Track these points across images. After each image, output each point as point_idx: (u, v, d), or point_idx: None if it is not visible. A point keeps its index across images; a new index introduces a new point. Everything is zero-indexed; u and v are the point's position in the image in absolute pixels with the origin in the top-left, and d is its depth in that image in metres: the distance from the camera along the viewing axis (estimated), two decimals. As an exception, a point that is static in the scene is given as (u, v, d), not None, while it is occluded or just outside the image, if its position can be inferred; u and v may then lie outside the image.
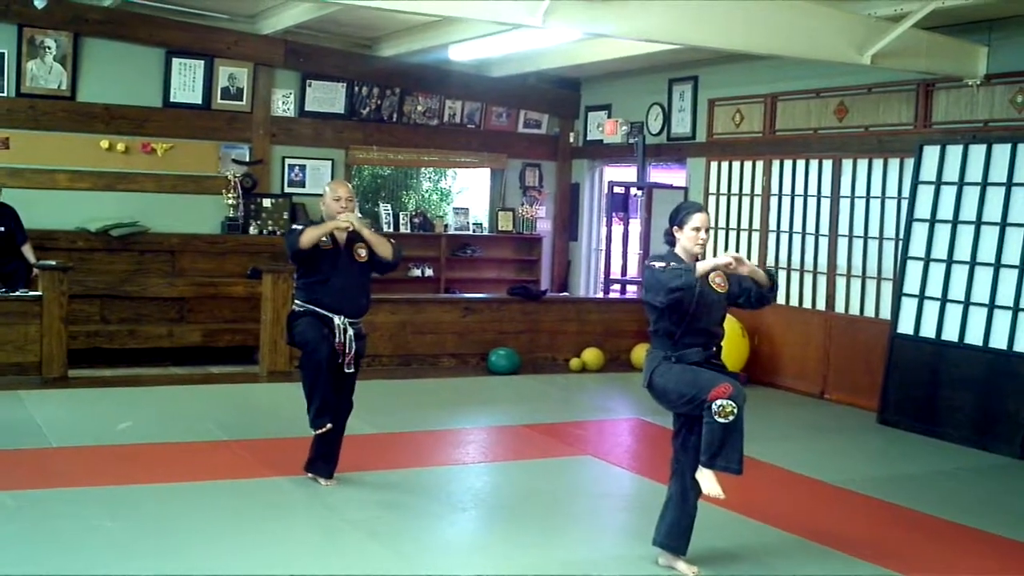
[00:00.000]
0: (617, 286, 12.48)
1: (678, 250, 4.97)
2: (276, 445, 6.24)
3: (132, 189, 11.06)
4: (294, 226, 6.14)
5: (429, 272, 12.72)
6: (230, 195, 11.30)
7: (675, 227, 5.00)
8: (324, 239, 6.03)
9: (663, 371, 4.94)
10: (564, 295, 12.76)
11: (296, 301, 6.21)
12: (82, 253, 10.46)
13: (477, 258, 13.17)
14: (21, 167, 10.59)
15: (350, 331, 6.06)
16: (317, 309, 6.05)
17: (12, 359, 8.73)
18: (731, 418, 4.78)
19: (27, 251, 9.57)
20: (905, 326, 8.64)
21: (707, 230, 4.96)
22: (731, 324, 9.98)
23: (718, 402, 4.78)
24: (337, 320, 6.03)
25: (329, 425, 6.02)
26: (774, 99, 10.38)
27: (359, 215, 6.34)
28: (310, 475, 6.19)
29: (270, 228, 11.42)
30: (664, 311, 4.85)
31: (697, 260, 4.94)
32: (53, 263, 9.14)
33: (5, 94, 10.51)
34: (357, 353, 6.15)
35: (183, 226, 11.10)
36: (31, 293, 9.04)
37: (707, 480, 4.83)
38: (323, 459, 6.21)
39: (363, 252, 6.15)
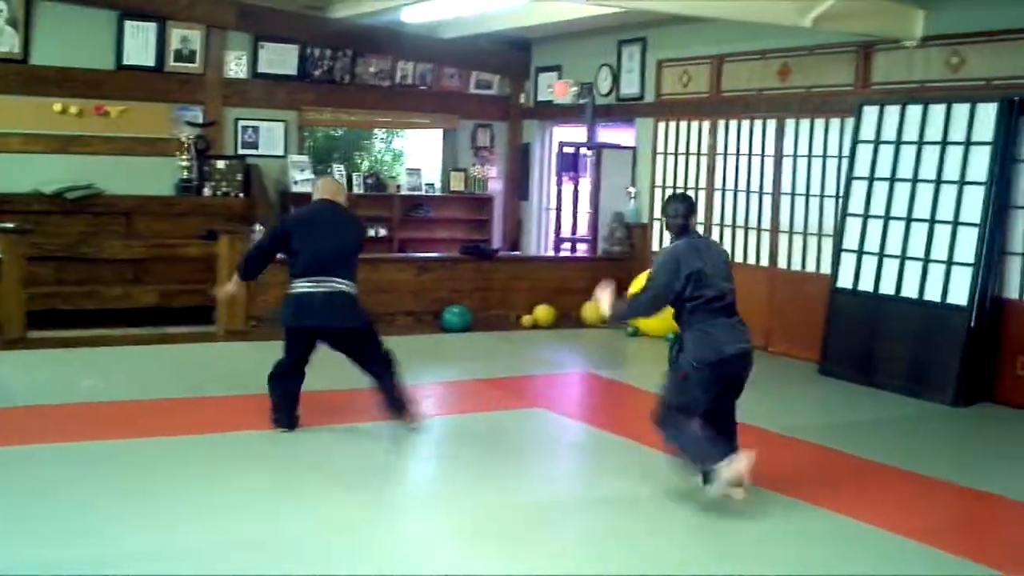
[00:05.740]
0: (567, 244, 12.71)
1: None
2: (239, 401, 6.42)
3: (86, 152, 11.09)
4: (262, 239, 6.59)
5: (383, 232, 12.84)
6: (184, 157, 11.36)
7: None
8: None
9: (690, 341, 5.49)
10: (515, 254, 12.96)
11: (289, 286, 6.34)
12: (37, 216, 10.42)
13: (430, 218, 13.33)
14: (-26, 131, 10.61)
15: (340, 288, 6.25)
16: (307, 285, 6.21)
17: (-29, 321, 8.77)
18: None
19: (-18, 214, 9.59)
20: (844, 280, 8.95)
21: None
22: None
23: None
24: (322, 288, 6.19)
25: (283, 430, 6.30)
26: (720, 60, 10.61)
27: None
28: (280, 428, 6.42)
29: (224, 190, 11.49)
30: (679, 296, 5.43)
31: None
32: (12, 226, 9.16)
33: (-43, 57, 10.51)
34: (365, 320, 6.42)
35: (137, 188, 11.13)
36: (-12, 255, 9.07)
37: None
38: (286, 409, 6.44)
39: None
